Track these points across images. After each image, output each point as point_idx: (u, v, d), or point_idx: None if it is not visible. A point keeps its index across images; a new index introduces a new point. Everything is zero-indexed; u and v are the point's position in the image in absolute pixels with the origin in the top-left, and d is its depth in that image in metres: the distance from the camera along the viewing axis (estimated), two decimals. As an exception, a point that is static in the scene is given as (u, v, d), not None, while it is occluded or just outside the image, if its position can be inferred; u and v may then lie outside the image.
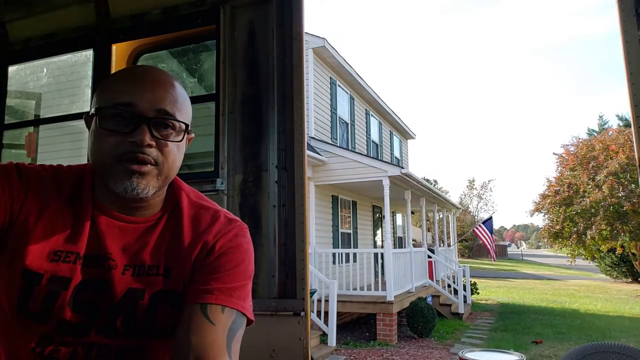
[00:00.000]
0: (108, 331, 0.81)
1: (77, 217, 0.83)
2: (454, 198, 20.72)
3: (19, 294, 0.77)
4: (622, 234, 15.71)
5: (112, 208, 0.85)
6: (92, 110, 0.82)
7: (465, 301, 11.24)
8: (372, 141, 14.22)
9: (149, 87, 0.81)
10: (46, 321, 0.78)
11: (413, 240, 15.54)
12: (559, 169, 18.25)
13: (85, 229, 0.82)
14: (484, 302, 14.13)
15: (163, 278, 0.84)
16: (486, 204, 39.50)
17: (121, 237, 0.84)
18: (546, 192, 18.32)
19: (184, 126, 0.83)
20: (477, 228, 13.54)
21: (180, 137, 0.83)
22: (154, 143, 0.79)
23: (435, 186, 20.54)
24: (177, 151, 0.83)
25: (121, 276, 0.82)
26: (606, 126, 22.90)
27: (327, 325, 7.27)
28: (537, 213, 19.18)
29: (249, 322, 0.84)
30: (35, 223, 0.80)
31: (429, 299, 10.09)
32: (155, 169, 0.80)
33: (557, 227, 17.55)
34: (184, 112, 0.84)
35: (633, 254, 17.65)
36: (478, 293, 14.25)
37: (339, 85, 11.77)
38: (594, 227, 16.04)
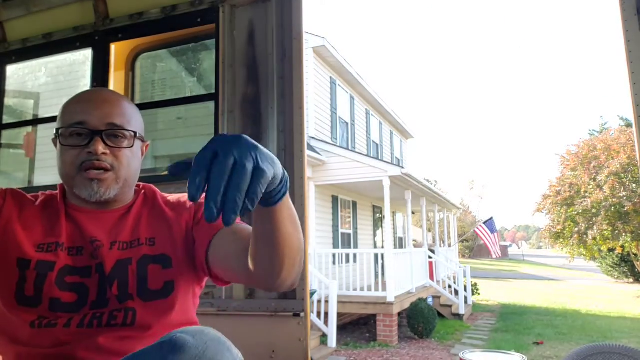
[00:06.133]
0: (101, 304, 0.90)
1: (52, 216, 0.96)
2: (455, 198, 20.68)
3: (17, 282, 0.88)
4: (624, 234, 15.69)
5: (86, 207, 0.98)
6: (54, 132, 0.96)
7: (466, 302, 11.22)
8: (373, 141, 14.22)
9: (98, 106, 0.95)
10: (40, 302, 0.87)
11: (413, 240, 15.53)
12: (561, 169, 18.23)
13: (61, 223, 0.95)
14: (484, 302, 14.11)
15: (147, 246, 0.95)
16: (486, 204, 39.42)
17: (102, 223, 0.97)
18: (547, 193, 18.30)
19: (133, 134, 0.97)
20: (478, 228, 13.54)
21: (131, 144, 0.97)
22: (108, 151, 0.93)
23: (436, 186, 20.48)
24: (131, 156, 0.97)
25: (109, 251, 0.93)
26: (607, 126, 22.86)
27: (327, 326, 7.26)
28: (538, 213, 19.17)
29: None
30: (17, 221, 0.93)
31: (430, 300, 10.08)
32: (113, 174, 0.94)
33: (559, 227, 17.53)
34: (133, 122, 0.98)
35: (634, 254, 17.62)
36: (479, 294, 14.23)
37: (339, 85, 11.76)
38: (595, 227, 16.01)
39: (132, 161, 0.98)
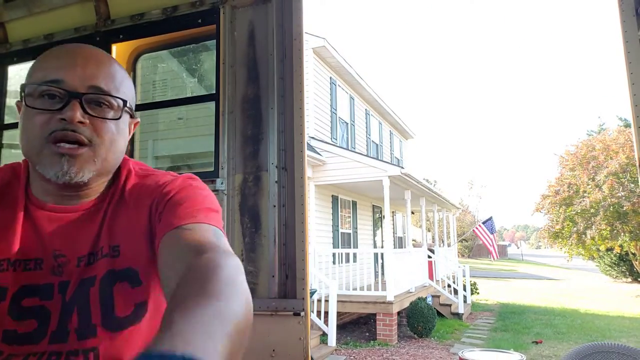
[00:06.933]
0: (61, 337, 0.74)
1: (6, 217, 0.76)
2: (454, 198, 20.71)
3: None
4: (622, 234, 15.72)
5: (51, 200, 0.77)
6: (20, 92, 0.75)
7: (465, 301, 11.24)
8: (372, 141, 14.22)
9: (80, 63, 0.74)
10: None
11: (413, 240, 15.55)
12: (559, 169, 18.26)
13: (16, 232, 0.75)
14: (484, 302, 14.13)
15: (111, 258, 0.76)
16: (485, 203, 39.48)
17: (67, 230, 0.77)
18: (546, 193, 18.32)
19: (122, 103, 0.76)
20: (477, 228, 13.54)
21: (118, 115, 0.76)
22: (87, 121, 0.72)
23: (435, 186, 20.53)
24: (116, 131, 0.76)
25: (76, 269, 0.75)
26: (605, 126, 22.90)
27: (327, 325, 7.27)
28: (537, 213, 19.19)
29: None
30: None
31: (429, 299, 10.09)
32: (90, 151, 0.73)
33: (557, 227, 17.56)
34: (123, 89, 0.77)
35: (633, 253, 17.65)
36: (478, 293, 14.25)
37: (338, 85, 11.77)
38: (594, 227, 16.05)
39: (117, 138, 0.76)
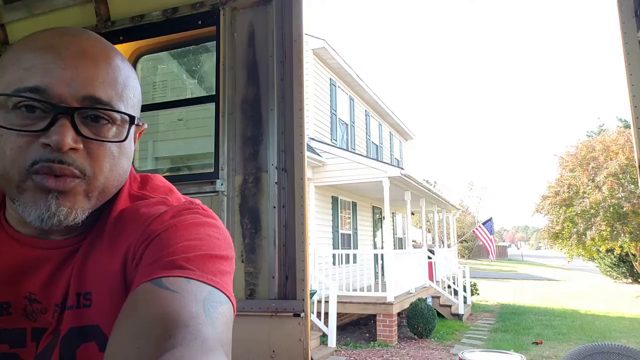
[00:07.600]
0: None
1: None
2: (454, 199, 20.74)
3: None
4: (622, 235, 15.72)
5: (30, 232, 0.61)
6: None
7: (465, 302, 11.24)
8: (372, 142, 14.24)
9: (70, 62, 0.54)
10: None
11: (413, 241, 15.55)
12: (559, 170, 18.28)
13: None
14: (484, 302, 14.13)
15: (77, 310, 0.60)
16: (485, 204, 39.60)
17: (46, 271, 0.61)
18: (546, 193, 18.34)
19: (127, 118, 0.58)
20: (477, 229, 13.54)
21: (123, 135, 0.58)
22: (80, 146, 0.54)
23: (435, 187, 20.53)
24: (118, 155, 0.58)
25: (51, 321, 0.60)
26: (604, 127, 22.95)
27: (327, 326, 7.27)
28: (537, 214, 19.21)
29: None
30: None
31: (429, 300, 10.09)
32: (83, 183, 0.55)
33: (557, 227, 17.58)
34: (127, 96, 0.59)
35: (633, 254, 17.66)
36: (478, 294, 14.24)
37: (338, 87, 11.78)
38: (594, 227, 16.06)
39: (119, 163, 0.59)
